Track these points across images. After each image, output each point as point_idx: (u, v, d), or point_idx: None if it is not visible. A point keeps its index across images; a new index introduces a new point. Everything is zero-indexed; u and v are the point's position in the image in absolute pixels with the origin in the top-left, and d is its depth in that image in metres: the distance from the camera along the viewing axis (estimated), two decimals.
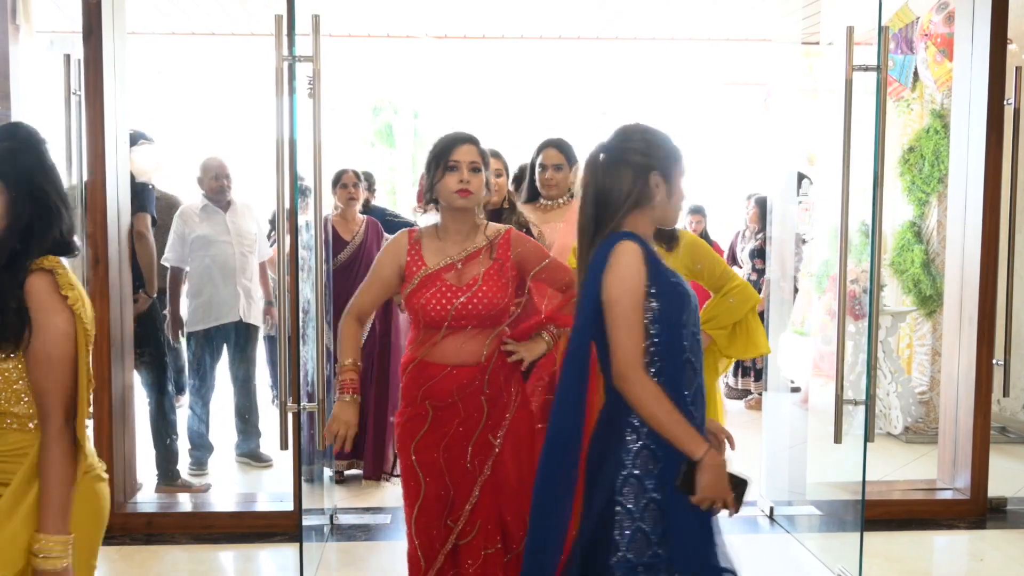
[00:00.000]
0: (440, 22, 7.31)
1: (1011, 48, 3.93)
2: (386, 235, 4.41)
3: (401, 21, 7.28)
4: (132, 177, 3.79)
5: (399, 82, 9.10)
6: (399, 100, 9.96)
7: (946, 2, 4.67)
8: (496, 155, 3.25)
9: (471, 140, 2.24)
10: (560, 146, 3.16)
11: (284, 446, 2.81)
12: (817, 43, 5.14)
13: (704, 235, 6.12)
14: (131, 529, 3.48)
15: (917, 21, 4.97)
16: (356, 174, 4.14)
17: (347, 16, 6.94)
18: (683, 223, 6.15)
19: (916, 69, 5.00)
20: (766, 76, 7.79)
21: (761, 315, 5.61)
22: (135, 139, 3.88)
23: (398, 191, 10.06)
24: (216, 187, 4.16)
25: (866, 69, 2.75)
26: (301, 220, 2.95)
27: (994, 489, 3.82)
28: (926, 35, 4.82)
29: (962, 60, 3.68)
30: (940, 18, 4.71)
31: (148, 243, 3.83)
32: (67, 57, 3.37)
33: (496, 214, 2.85)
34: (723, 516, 1.78)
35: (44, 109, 4.21)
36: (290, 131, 2.78)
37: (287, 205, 2.85)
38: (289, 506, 3.40)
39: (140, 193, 3.83)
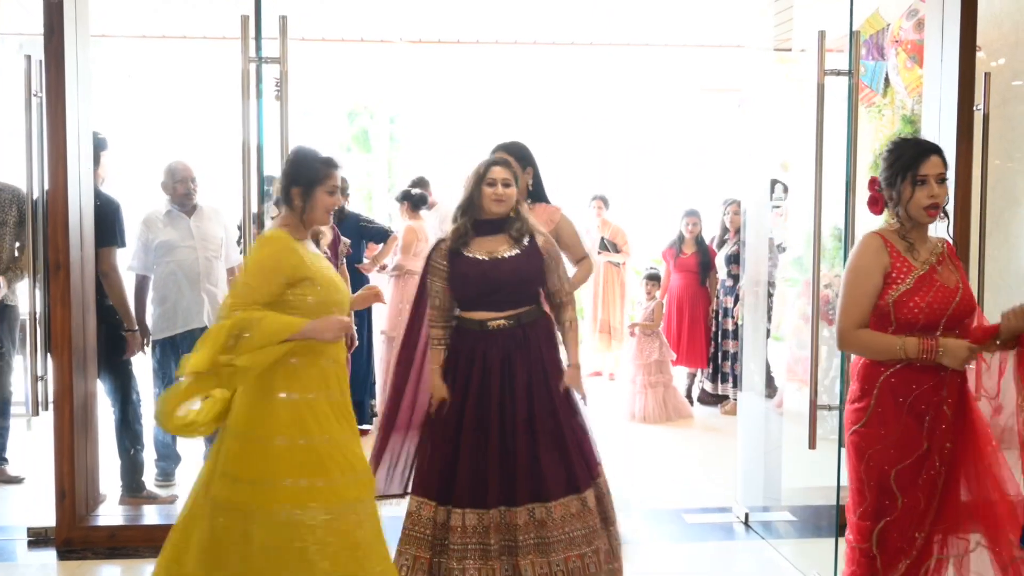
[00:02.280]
0: (414, 26, 7.27)
1: (980, 55, 3.96)
2: (344, 239, 4.30)
3: (375, 25, 7.23)
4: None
5: (375, 87, 9.04)
6: (375, 105, 9.90)
7: (916, 9, 4.70)
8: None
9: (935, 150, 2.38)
10: (510, 149, 3.16)
11: None
12: (790, 50, 5.16)
13: (699, 239, 6.12)
14: (93, 543, 3.39)
15: (888, 27, 5.01)
16: None
17: (319, 19, 6.87)
18: (679, 226, 6.15)
19: (887, 75, 5.03)
20: (740, 81, 7.83)
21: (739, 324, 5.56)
22: (103, 144, 3.81)
23: (374, 196, 9.99)
24: (183, 191, 4.07)
25: (838, 74, 2.75)
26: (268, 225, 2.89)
27: None
28: (897, 41, 4.86)
29: (932, 66, 3.69)
30: (911, 24, 4.74)
31: (115, 280, 3.79)
32: (28, 58, 3.28)
33: (500, 223, 2.78)
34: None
35: (7, 111, 4.11)
36: (257, 134, 2.73)
37: (254, 209, 2.79)
38: None
39: (115, 212, 3.79)
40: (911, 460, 2.29)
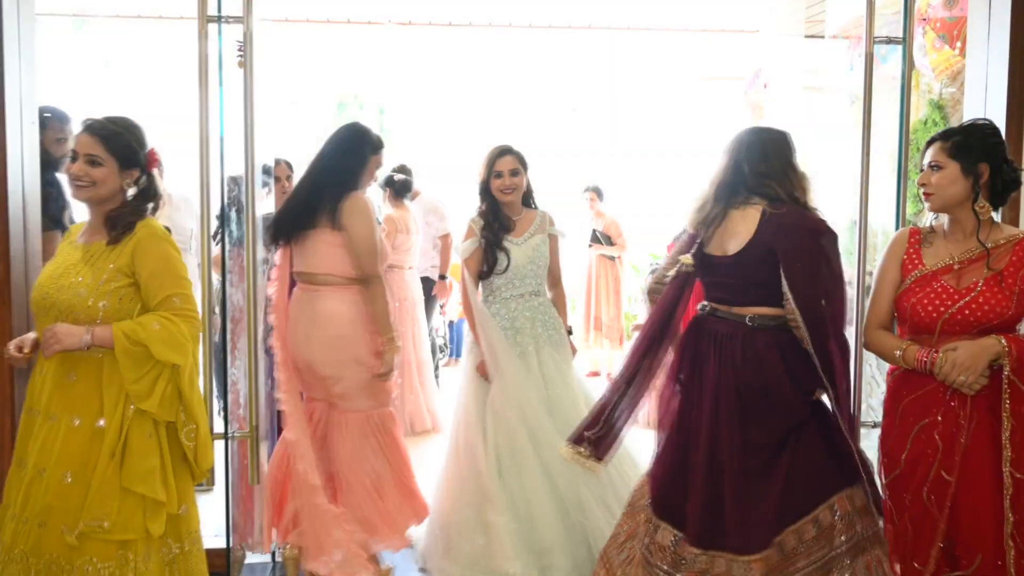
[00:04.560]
0: (404, 7, 6.90)
1: None
2: None
3: (362, 5, 6.86)
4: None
5: (363, 74, 8.68)
6: (364, 95, 9.55)
7: None
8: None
9: None
10: None
11: (210, 481, 2.37)
12: (822, 36, 4.81)
13: None
14: None
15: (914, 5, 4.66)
16: (289, 165, 3.72)
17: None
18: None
19: (912, 56, 4.68)
20: (744, 69, 7.51)
21: None
22: (48, 121, 3.43)
23: None
24: None
25: (888, 41, 2.40)
26: (232, 213, 2.52)
27: None
28: (924, 19, 4.51)
29: (977, 42, 3.35)
30: (940, 0, 4.39)
31: None
32: None
33: None
34: None
35: None
36: (218, 106, 2.35)
37: (216, 199, 2.42)
38: (223, 542, 2.94)
39: (59, 193, 3.40)
40: (901, 470, 2.14)
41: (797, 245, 2.18)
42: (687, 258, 2.34)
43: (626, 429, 2.39)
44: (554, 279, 3.31)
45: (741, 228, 2.26)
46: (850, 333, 2.69)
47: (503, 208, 3.17)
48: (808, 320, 2.14)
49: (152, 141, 3.85)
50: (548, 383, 3.03)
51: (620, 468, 3.01)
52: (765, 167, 2.27)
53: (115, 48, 8.00)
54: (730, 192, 2.30)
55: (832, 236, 2.21)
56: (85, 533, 2.01)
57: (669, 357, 2.40)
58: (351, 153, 2.85)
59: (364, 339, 2.79)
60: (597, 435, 2.36)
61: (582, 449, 2.36)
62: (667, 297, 2.43)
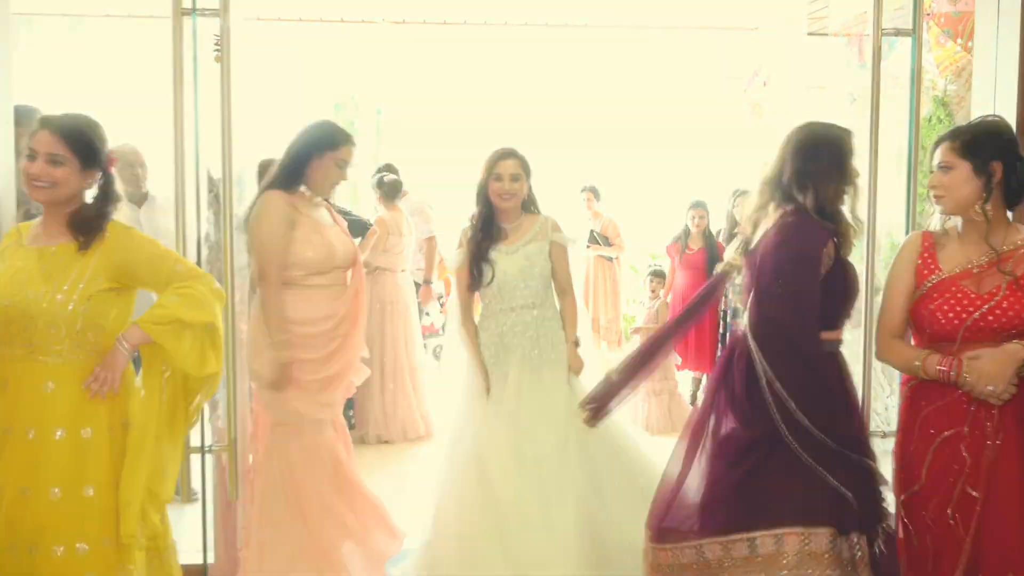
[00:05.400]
0: (398, 5, 6.80)
1: None
2: None
3: (356, 3, 6.77)
4: None
5: (359, 73, 8.59)
6: (361, 95, 9.46)
7: None
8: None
9: None
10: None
11: (186, 497, 2.27)
12: (825, 34, 4.72)
13: (707, 233, 5.64)
14: None
15: None
16: None
17: None
18: (684, 219, 5.70)
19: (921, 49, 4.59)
20: (744, 67, 7.42)
21: None
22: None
23: (359, 189, 9.58)
24: (129, 177, 3.59)
25: (897, 33, 2.30)
26: (209, 214, 2.42)
27: None
28: (928, 14, 4.41)
29: (985, 35, 3.25)
30: None
31: None
32: None
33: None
34: None
35: None
36: (193, 102, 2.25)
37: (192, 203, 2.33)
38: (200, 558, 2.83)
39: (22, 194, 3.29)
40: (921, 485, 2.03)
41: (770, 255, 2.10)
42: (735, 258, 2.33)
43: (617, 406, 2.56)
44: (561, 288, 3.07)
45: (760, 231, 2.24)
46: (856, 337, 2.59)
47: (497, 215, 2.99)
48: (754, 334, 2.11)
49: (140, 140, 3.77)
50: (523, 406, 2.85)
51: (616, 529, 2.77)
52: (812, 167, 2.15)
53: (109, 47, 7.91)
54: (771, 193, 2.23)
55: (812, 254, 2.09)
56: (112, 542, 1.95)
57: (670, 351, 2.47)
58: (292, 151, 2.73)
59: (257, 345, 2.62)
60: (594, 408, 2.52)
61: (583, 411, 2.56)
62: (699, 291, 2.53)
